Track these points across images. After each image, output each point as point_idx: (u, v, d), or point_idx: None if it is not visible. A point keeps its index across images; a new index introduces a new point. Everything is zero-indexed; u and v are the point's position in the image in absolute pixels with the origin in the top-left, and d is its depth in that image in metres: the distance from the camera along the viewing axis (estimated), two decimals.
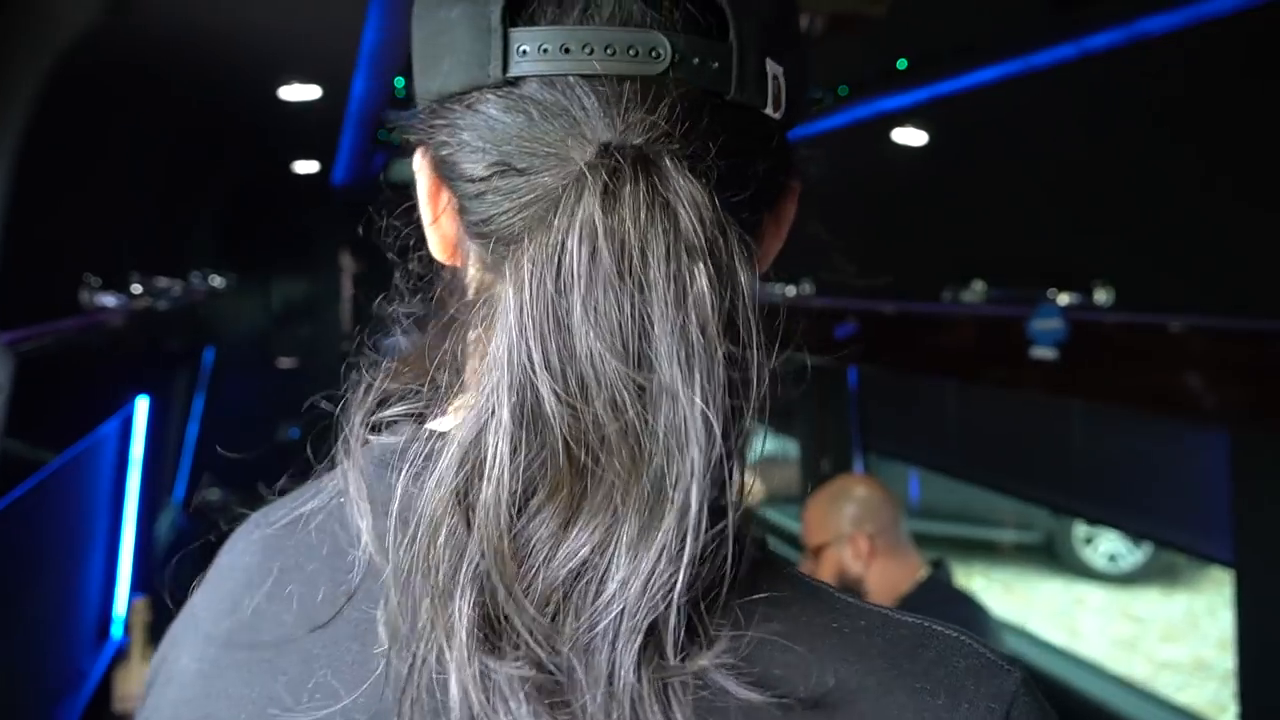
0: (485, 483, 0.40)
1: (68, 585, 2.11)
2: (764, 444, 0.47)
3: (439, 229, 0.51)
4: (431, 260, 0.52)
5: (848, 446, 2.83)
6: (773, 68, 0.47)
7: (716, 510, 0.40)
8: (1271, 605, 1.64)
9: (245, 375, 3.37)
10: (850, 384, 2.79)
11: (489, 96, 0.45)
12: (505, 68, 0.44)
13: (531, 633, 0.39)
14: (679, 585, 0.39)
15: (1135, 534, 1.96)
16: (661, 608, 0.39)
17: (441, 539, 0.41)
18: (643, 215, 0.41)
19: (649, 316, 0.41)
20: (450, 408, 0.48)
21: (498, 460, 0.40)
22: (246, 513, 0.55)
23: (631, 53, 0.44)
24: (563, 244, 0.41)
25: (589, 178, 0.42)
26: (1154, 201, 1.65)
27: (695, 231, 0.42)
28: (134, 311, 1.83)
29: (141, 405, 2.32)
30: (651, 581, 0.39)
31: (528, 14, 0.45)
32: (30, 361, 1.20)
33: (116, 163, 1.61)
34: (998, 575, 6.02)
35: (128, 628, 1.99)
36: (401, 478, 0.44)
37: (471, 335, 0.47)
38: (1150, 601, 5.60)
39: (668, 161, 0.43)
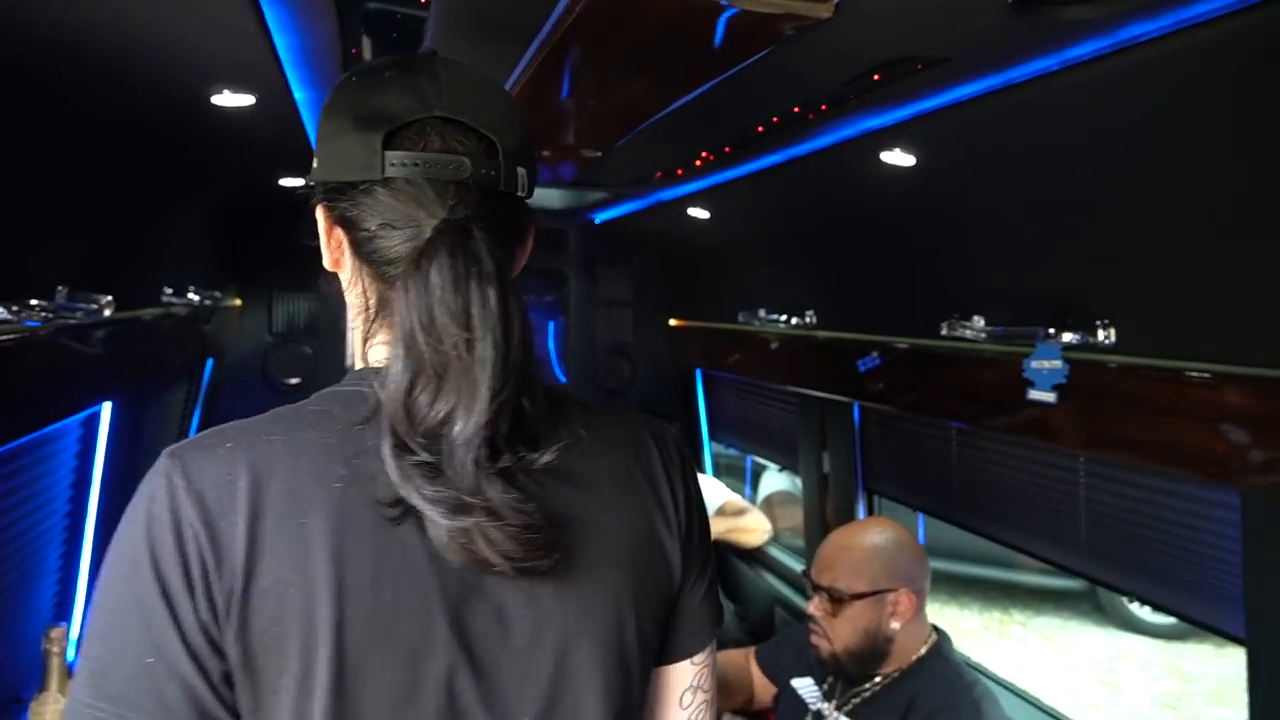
0: (391, 382, 0.79)
1: (13, 598, 2.05)
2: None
3: (331, 254, 0.93)
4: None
5: (851, 487, 2.68)
6: (521, 173, 0.89)
7: (523, 384, 0.82)
8: None
9: (244, 390, 3.33)
10: (854, 422, 2.64)
11: (376, 188, 0.85)
12: (383, 172, 0.84)
13: (421, 447, 0.78)
14: (486, 420, 0.78)
15: (1147, 602, 1.79)
16: (486, 433, 0.78)
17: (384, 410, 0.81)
18: (464, 258, 0.80)
19: (470, 306, 0.79)
20: (372, 351, 0.91)
21: (396, 376, 0.79)
22: None
23: (452, 168, 0.85)
24: (429, 274, 0.79)
25: (439, 239, 0.81)
26: (1155, 232, 1.49)
27: (489, 265, 0.81)
28: (105, 320, 1.83)
29: (106, 409, 2.25)
30: (478, 420, 0.78)
31: (395, 143, 0.85)
32: None
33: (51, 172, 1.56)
34: (1037, 625, 5.74)
35: (44, 655, 1.87)
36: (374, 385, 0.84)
37: (384, 319, 0.89)
38: (1201, 658, 5.26)
39: (476, 230, 0.82)
